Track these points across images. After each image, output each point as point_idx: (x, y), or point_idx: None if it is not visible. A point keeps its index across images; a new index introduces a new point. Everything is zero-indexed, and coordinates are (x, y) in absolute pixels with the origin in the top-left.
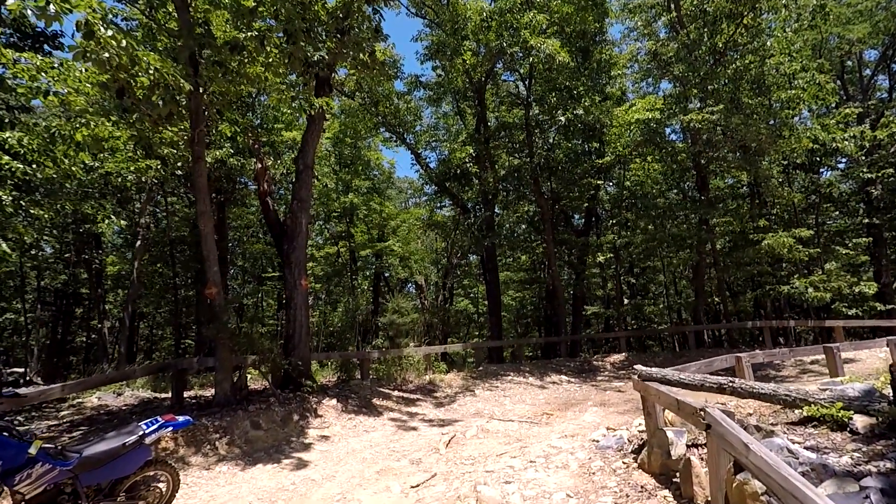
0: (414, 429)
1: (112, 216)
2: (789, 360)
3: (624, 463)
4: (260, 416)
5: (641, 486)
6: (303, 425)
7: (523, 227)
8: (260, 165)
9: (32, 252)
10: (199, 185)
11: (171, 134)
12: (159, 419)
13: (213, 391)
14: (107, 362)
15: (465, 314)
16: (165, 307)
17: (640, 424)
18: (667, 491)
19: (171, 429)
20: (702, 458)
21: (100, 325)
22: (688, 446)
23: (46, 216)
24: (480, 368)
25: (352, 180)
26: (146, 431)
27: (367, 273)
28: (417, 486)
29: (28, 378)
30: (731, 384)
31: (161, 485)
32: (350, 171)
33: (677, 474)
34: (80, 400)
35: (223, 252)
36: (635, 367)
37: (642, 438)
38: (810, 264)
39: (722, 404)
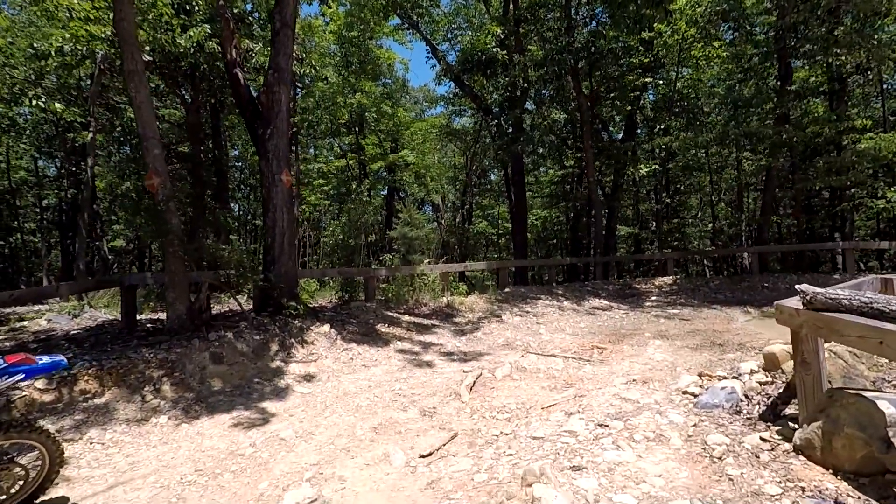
0: (427, 364)
1: (42, 98)
2: None
3: (763, 440)
4: (223, 347)
5: (836, 501)
6: (282, 359)
7: (552, 137)
8: (227, 28)
9: (26, 167)
10: (122, 31)
11: None
12: (1, 361)
13: None
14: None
15: (483, 236)
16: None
17: (752, 371)
18: None
19: (20, 378)
20: None
21: (98, 244)
22: None
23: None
24: (507, 290)
25: (360, 83)
26: None
27: (380, 188)
28: (430, 454)
29: None
30: None
31: (31, 460)
32: (358, 70)
33: None
34: (23, 323)
35: (219, 164)
36: (800, 287)
37: (768, 395)
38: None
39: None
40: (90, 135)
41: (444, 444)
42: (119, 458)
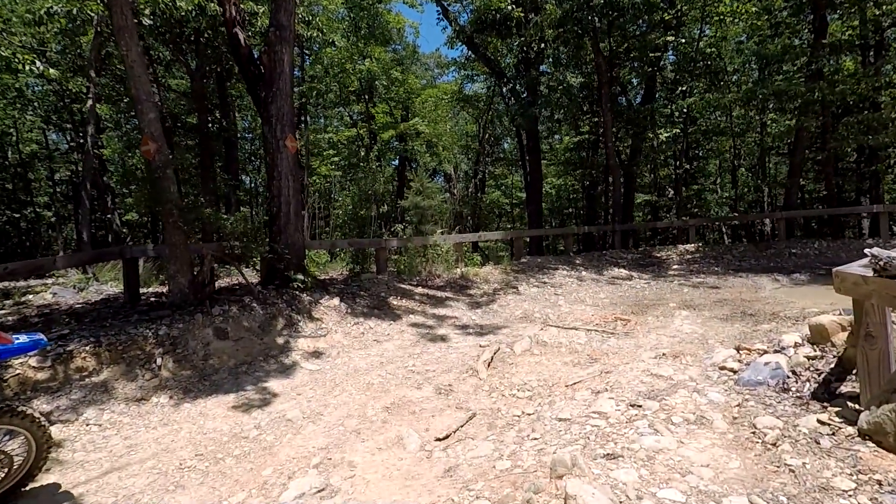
0: (442, 338)
1: (36, 62)
2: None
3: (821, 423)
4: (228, 322)
5: None
6: (289, 334)
7: (567, 102)
8: None
9: (36, 140)
10: None
11: None
12: None
13: None
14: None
15: (497, 206)
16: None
17: (796, 344)
18: None
19: None
20: None
21: (110, 217)
22: None
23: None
24: (523, 261)
25: (370, 49)
26: None
27: (391, 158)
28: (446, 437)
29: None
30: None
31: (13, 447)
32: (367, 35)
33: None
34: (28, 297)
35: (228, 134)
36: (869, 250)
37: (818, 370)
38: None
39: None
40: (89, 102)
41: (461, 426)
42: (116, 440)
